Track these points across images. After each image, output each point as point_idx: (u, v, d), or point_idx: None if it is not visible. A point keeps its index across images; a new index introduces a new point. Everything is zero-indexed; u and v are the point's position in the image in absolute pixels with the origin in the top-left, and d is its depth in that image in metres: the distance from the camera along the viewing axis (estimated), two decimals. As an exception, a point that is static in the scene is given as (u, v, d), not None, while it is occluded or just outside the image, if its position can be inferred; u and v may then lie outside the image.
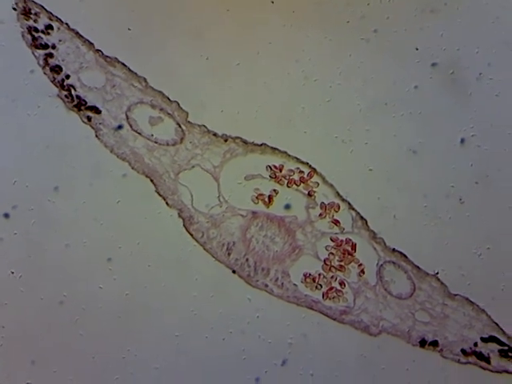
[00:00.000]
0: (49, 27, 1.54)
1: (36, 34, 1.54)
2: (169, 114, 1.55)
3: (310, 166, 1.54)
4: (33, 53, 1.54)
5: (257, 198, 1.55)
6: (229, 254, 1.55)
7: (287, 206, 1.54)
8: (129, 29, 1.53)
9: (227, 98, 1.56)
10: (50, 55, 1.55)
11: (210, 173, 1.55)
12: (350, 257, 1.55)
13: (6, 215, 1.53)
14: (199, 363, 1.54)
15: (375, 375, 1.55)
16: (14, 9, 1.52)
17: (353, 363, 1.55)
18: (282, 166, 1.54)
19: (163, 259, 1.54)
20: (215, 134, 1.55)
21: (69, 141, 1.54)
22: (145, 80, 1.55)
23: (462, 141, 1.55)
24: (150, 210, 1.54)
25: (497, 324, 1.55)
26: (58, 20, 1.54)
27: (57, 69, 1.55)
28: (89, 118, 1.54)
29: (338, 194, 1.55)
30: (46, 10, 1.54)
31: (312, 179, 1.54)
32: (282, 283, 1.55)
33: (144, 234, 1.54)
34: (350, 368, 1.55)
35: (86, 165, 1.54)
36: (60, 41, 1.54)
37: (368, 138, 1.55)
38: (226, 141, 1.56)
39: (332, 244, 1.55)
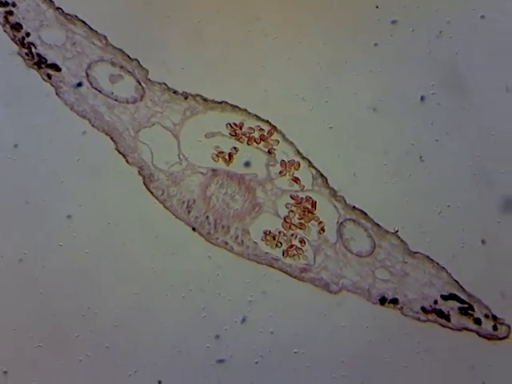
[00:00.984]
0: (9, -15, 1.54)
1: (-4, -8, 1.53)
2: (129, 71, 1.53)
3: (270, 123, 1.53)
4: (-7, 10, 1.54)
5: (217, 155, 1.54)
6: (189, 212, 1.54)
7: (247, 164, 1.53)
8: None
9: (187, 56, 1.55)
10: (10, 13, 1.53)
11: (170, 130, 1.54)
12: (310, 215, 1.54)
13: (-34, 173, 1.53)
14: (159, 321, 1.53)
15: (335, 332, 1.54)
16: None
17: (313, 321, 1.54)
18: (242, 123, 1.53)
19: (123, 217, 1.52)
20: (175, 92, 1.54)
21: (29, 98, 1.53)
22: (105, 38, 1.54)
23: (422, 98, 1.54)
24: (110, 167, 1.54)
25: (457, 282, 1.54)
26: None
27: (17, 27, 1.53)
28: (49, 76, 1.53)
29: (298, 151, 1.54)
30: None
31: (272, 137, 1.53)
32: (242, 241, 1.54)
33: (104, 192, 1.54)
34: (310, 326, 1.54)
35: (45, 122, 1.52)
36: (20, -2, 1.54)
37: (328, 96, 1.53)
38: (186, 98, 1.54)
39: (292, 202, 1.54)
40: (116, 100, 1.52)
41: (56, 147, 1.51)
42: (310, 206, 1.53)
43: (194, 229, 1.53)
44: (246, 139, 1.53)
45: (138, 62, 1.52)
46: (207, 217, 1.53)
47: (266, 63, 1.53)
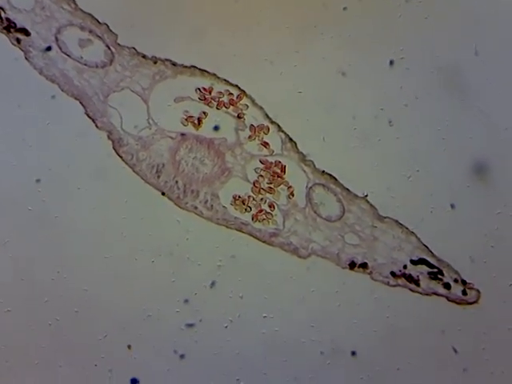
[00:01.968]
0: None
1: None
2: (98, 36, 1.52)
3: (240, 88, 1.51)
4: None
5: (186, 120, 1.52)
6: (158, 177, 1.53)
7: (216, 128, 1.52)
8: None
9: (156, 20, 1.53)
10: (-21, -23, 1.54)
11: (140, 95, 1.52)
12: (279, 179, 1.53)
13: None
14: (128, 285, 1.51)
15: (305, 297, 1.52)
16: None
17: (282, 285, 1.53)
18: (212, 88, 1.51)
19: (92, 181, 1.51)
20: (144, 56, 1.52)
21: (-2, 63, 1.54)
22: (74, 2, 1.52)
23: (391, 63, 1.53)
24: (79, 131, 1.52)
25: (426, 246, 1.52)
26: None
27: (-14, -9, 1.54)
28: (18, 40, 1.51)
29: (267, 116, 1.52)
30: None
31: (241, 101, 1.51)
32: (212, 205, 1.54)
33: (73, 156, 1.52)
34: (279, 290, 1.52)
35: (14, 87, 1.50)
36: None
37: (297, 60, 1.51)
38: (155, 63, 1.53)
39: (261, 166, 1.52)
40: (85, 64, 1.51)
41: (25, 111, 1.50)
42: (279, 171, 1.52)
43: (163, 193, 1.52)
44: (215, 104, 1.51)
45: (107, 27, 1.51)
46: (176, 181, 1.52)
47: (235, 27, 1.52)
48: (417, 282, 1.52)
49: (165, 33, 1.51)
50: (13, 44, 1.49)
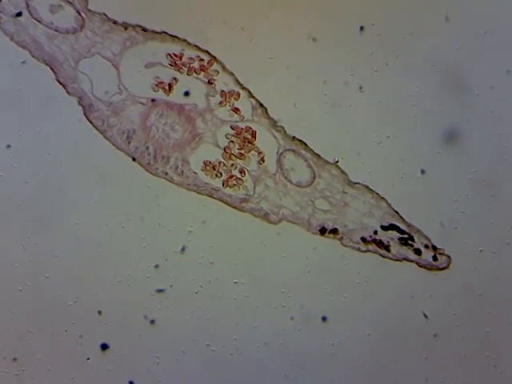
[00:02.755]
0: None
1: None
2: (69, 2, 1.51)
3: (210, 54, 1.50)
4: None
5: (157, 85, 1.50)
6: (129, 142, 1.52)
7: (187, 94, 1.52)
8: None
9: (127, -14, 1.55)
10: None
11: (110, 61, 1.51)
12: (249, 145, 1.52)
13: None
14: (99, 251, 1.50)
15: (275, 263, 1.51)
16: None
17: (252, 251, 1.51)
18: (182, 54, 1.50)
19: (63, 147, 1.50)
20: (115, 22, 1.51)
21: (-31, 29, 1.53)
22: (45, -32, 1.54)
23: (362, 29, 1.51)
24: (50, 97, 1.50)
25: (397, 212, 1.51)
26: None
27: (-43, -43, 1.53)
28: (-11, 6, 1.53)
29: (237, 81, 1.51)
30: None
31: (212, 67, 1.50)
32: (182, 171, 1.53)
33: (44, 121, 1.51)
34: (249, 256, 1.51)
35: (-15, 52, 1.54)
36: None
37: (268, 25, 1.50)
38: (126, 29, 1.52)
39: (232, 132, 1.52)
40: (56, 30, 1.50)
41: (-5, 77, 1.52)
42: (249, 137, 1.52)
43: (133, 159, 1.50)
44: (186, 69, 1.50)
45: (78, -7, 1.52)
46: (147, 147, 1.51)
47: (206, -6, 1.53)
48: (387, 248, 1.52)
49: None
50: (-16, 10, 1.51)
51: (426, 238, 1.50)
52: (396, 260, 1.50)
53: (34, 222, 1.48)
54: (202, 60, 1.49)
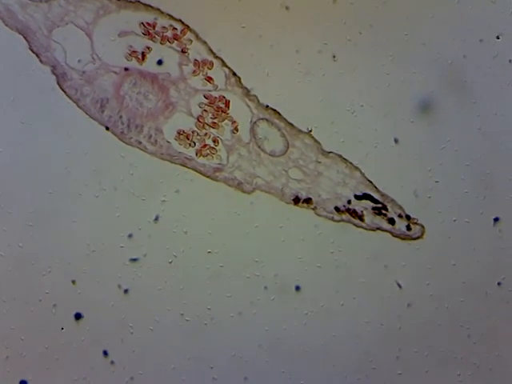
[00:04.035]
0: None
1: None
2: (42, -30, 1.53)
3: (183, 23, 1.47)
4: None
5: (130, 54, 1.48)
6: (102, 111, 1.51)
7: (160, 63, 1.49)
8: None
9: (101, -45, 1.53)
10: None
11: (84, 30, 1.50)
12: (223, 114, 1.51)
13: None
14: (72, 220, 1.47)
15: (249, 233, 1.49)
16: None
17: (226, 220, 1.48)
18: (155, 22, 1.48)
19: (36, 116, 1.48)
20: (88, -9, 1.53)
21: None
22: None
23: (335, -2, 1.53)
24: (24, 66, 1.47)
25: (370, 181, 1.49)
26: None
27: None
28: (-38, -25, 1.52)
29: (211, 50, 1.49)
30: None
31: (185, 36, 1.50)
32: (156, 140, 1.51)
33: (17, 90, 1.49)
34: (223, 225, 1.48)
35: (-42, 21, 1.52)
36: None
37: (241, -6, 1.52)
38: (99, -2, 1.53)
39: (205, 101, 1.50)
40: (29, -1, 1.51)
41: (-32, 46, 1.50)
42: (223, 106, 1.50)
43: (107, 128, 1.49)
44: (159, 38, 1.50)
45: (52, -38, 1.51)
46: (121, 116, 1.50)
47: (180, -37, 1.51)
48: (361, 218, 1.50)
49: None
50: (-44, -21, 1.50)
51: (400, 207, 1.49)
52: (370, 229, 1.48)
53: (6, 192, 1.48)
54: (175, 29, 1.48)
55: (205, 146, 1.48)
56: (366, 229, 1.47)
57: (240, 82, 1.47)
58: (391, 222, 1.48)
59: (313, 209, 1.48)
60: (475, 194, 1.48)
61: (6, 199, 1.46)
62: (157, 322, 1.47)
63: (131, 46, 1.47)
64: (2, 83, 1.46)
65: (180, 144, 1.47)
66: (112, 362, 1.47)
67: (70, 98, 1.47)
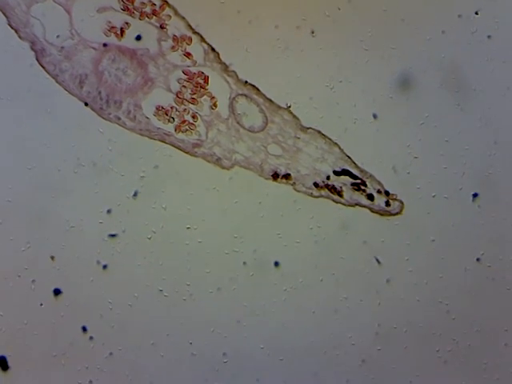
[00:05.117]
0: None
1: None
2: None
3: (162, -2, 1.51)
4: None
5: (109, 30, 1.48)
6: (81, 87, 1.49)
7: (139, 38, 1.47)
8: None
9: None
10: None
11: (62, 5, 1.49)
12: (202, 90, 1.49)
13: None
14: (51, 196, 1.44)
15: (228, 208, 1.48)
16: None
17: (204, 196, 1.45)
18: (134, -2, 1.51)
19: (14, 91, 1.46)
20: (67, -33, 1.52)
21: None
22: None
23: (314, -27, 1.52)
24: (1, 42, 1.50)
25: (349, 157, 1.48)
26: None
27: None
28: None
29: (189, 26, 1.49)
30: None
31: (164, 12, 1.50)
32: (135, 116, 1.48)
33: (-5, 66, 1.51)
34: (201, 201, 1.46)
35: None
36: None
37: (220, -30, 1.52)
38: (78, -27, 1.52)
39: (184, 77, 1.49)
40: (8, -25, 1.50)
41: None
42: (202, 81, 1.49)
43: (86, 104, 1.47)
44: (138, 14, 1.49)
45: None
46: (99, 92, 1.49)
47: None
48: (340, 193, 1.49)
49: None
50: None
51: (379, 183, 1.48)
52: (349, 205, 1.48)
53: (-14, 167, 1.48)
54: (154, 4, 1.46)
55: (184, 121, 1.46)
56: (344, 204, 1.47)
57: (219, 57, 1.46)
58: (370, 197, 1.47)
59: (292, 184, 1.47)
60: (454, 169, 1.46)
61: (-16, 175, 1.46)
62: (135, 297, 1.45)
63: (110, 22, 1.46)
64: (-20, 59, 1.46)
65: (159, 120, 1.46)
66: (91, 338, 1.45)
67: (49, 73, 1.45)
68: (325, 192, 1.46)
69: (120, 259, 1.45)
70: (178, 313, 1.45)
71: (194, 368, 1.45)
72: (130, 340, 1.44)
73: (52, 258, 1.45)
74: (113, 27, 1.45)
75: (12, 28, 1.45)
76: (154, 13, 1.46)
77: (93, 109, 1.45)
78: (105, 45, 1.45)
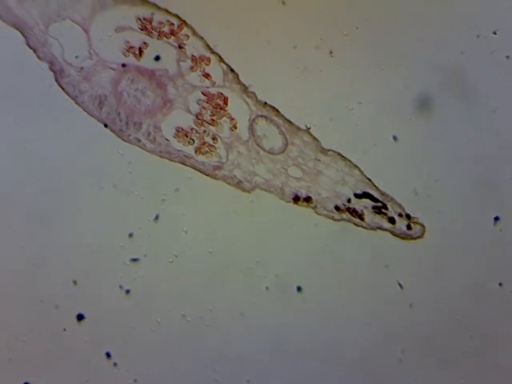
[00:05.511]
0: None
1: None
2: (37, -35, 1.49)
3: (180, 18, 1.44)
4: None
5: (127, 50, 1.45)
6: (101, 108, 1.47)
7: (157, 58, 1.44)
8: None
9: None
10: None
11: (80, 24, 1.49)
12: (221, 111, 1.47)
13: None
14: (70, 219, 1.41)
15: (249, 231, 1.45)
16: None
17: (226, 219, 1.44)
18: (152, 17, 1.44)
19: (33, 112, 1.41)
20: (85, -14, 1.49)
21: None
22: None
23: (333, -7, 1.48)
24: (21, 62, 1.44)
25: (370, 179, 1.47)
26: None
27: None
28: (-44, -30, 1.48)
29: (208, 46, 1.45)
30: None
31: (182, 31, 1.48)
32: (155, 138, 1.47)
33: (15, 88, 1.42)
34: (222, 224, 1.44)
35: (-47, 17, 1.48)
36: None
37: (238, -12, 1.48)
38: (95, -7, 1.49)
39: (204, 98, 1.48)
40: (25, -5, 1.47)
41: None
42: (221, 103, 1.47)
43: (105, 125, 1.46)
44: (156, 34, 1.47)
45: (47, -44, 1.47)
46: (119, 113, 1.46)
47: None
48: (361, 217, 1.48)
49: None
50: (-50, -27, 1.46)
51: (400, 206, 1.47)
52: (370, 229, 1.46)
53: (5, 192, 1.45)
54: (172, 24, 1.44)
55: (204, 143, 1.45)
56: (366, 228, 1.46)
57: (238, 78, 1.44)
58: (391, 221, 1.46)
59: (313, 208, 1.46)
60: (475, 192, 1.45)
61: (5, 199, 1.43)
62: (158, 322, 1.45)
63: (128, 42, 1.44)
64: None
65: (179, 142, 1.45)
66: (115, 364, 1.45)
67: (68, 94, 1.43)
68: (346, 215, 1.45)
69: (142, 284, 1.44)
70: (201, 338, 1.45)
71: (217, 392, 1.45)
72: (153, 366, 1.43)
73: (74, 282, 1.44)
74: (131, 47, 1.43)
75: (30, 48, 1.43)
76: (172, 32, 1.43)
77: (112, 130, 1.44)
78: (123, 65, 1.43)
